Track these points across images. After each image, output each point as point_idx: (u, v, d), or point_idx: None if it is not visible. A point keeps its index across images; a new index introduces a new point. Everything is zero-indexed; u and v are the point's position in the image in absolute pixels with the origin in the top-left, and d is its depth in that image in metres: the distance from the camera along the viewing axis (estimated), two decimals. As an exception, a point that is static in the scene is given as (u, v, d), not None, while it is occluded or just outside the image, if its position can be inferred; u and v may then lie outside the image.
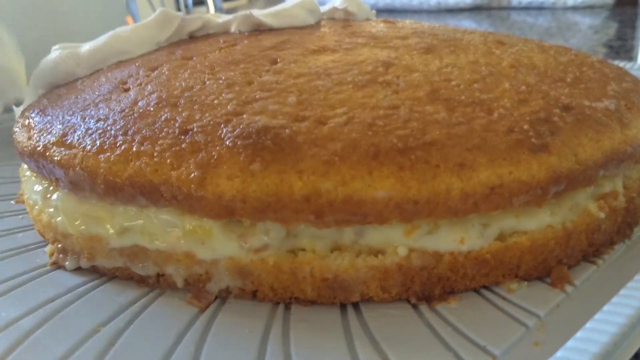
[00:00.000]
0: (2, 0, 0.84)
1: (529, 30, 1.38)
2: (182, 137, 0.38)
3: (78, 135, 0.41)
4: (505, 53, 0.50)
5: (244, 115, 0.39)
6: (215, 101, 0.41)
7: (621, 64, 0.73)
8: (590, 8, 1.59)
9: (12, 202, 0.56)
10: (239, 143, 0.37)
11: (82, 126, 0.42)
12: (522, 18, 1.55)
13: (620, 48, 1.13)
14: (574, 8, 1.60)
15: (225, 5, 2.56)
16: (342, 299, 0.38)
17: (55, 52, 0.54)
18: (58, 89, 0.52)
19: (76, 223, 0.42)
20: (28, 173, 0.51)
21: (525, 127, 0.38)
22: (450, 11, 1.70)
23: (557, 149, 0.37)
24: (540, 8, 1.64)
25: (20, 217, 0.53)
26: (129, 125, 0.40)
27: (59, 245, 0.44)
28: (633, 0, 1.63)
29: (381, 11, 1.76)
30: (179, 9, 2.58)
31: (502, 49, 0.51)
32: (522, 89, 0.42)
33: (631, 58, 1.04)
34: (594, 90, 0.44)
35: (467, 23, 1.53)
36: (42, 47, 0.88)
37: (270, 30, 0.57)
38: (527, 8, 1.66)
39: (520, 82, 0.43)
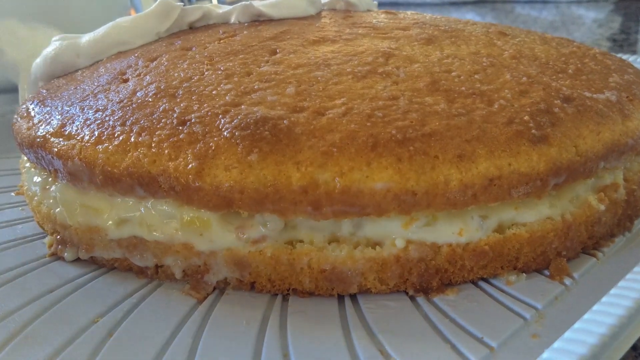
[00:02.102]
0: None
1: (533, 24, 1.37)
2: (180, 127, 0.38)
3: (76, 126, 0.41)
4: (507, 44, 0.49)
5: (242, 106, 0.39)
6: (214, 92, 0.41)
7: (624, 57, 0.72)
8: (594, 1, 1.58)
9: (13, 194, 0.57)
10: (236, 134, 0.36)
11: (81, 117, 0.42)
12: (526, 11, 1.54)
13: (624, 41, 1.12)
14: (579, 1, 1.59)
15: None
16: (340, 290, 0.38)
17: (55, 43, 0.54)
18: (57, 80, 0.52)
19: (75, 214, 0.42)
20: (28, 165, 0.51)
21: (526, 118, 0.37)
22: (454, 4, 1.70)
23: (558, 140, 0.37)
24: (544, 1, 1.63)
25: (20, 209, 0.53)
26: (127, 116, 0.40)
27: (58, 237, 0.44)
28: (638, -6, 1.62)
29: (384, 4, 1.76)
30: (182, 1, 2.57)
31: (504, 40, 0.51)
32: (523, 80, 0.42)
33: (635, 51, 1.04)
34: (596, 81, 0.44)
35: (470, 16, 1.52)
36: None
37: (270, 20, 0.56)
38: (531, 1, 1.65)
39: (521, 73, 0.43)
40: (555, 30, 1.28)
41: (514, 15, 1.50)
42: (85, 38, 0.55)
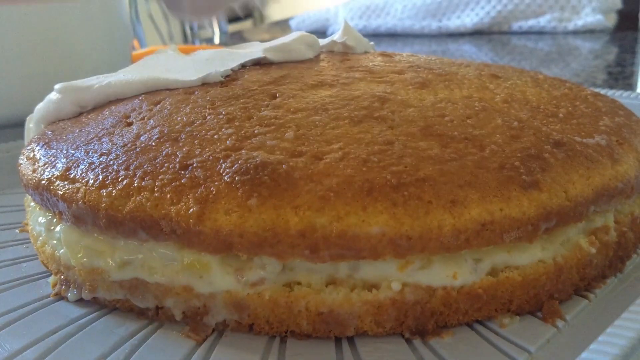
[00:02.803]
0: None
1: (529, 55, 1.39)
2: (182, 172, 0.39)
3: (81, 170, 0.43)
4: (499, 87, 0.51)
5: (243, 151, 0.40)
6: (215, 136, 0.43)
7: (617, 93, 0.74)
8: (590, 32, 1.61)
9: (17, 230, 0.57)
10: (237, 179, 0.38)
11: (86, 160, 0.43)
12: (522, 43, 1.56)
13: (619, 74, 1.14)
14: (575, 32, 1.62)
15: (230, 28, 2.60)
16: (337, 333, 0.39)
17: (57, 95, 0.55)
18: (63, 122, 0.54)
19: (78, 256, 0.43)
20: (32, 204, 0.52)
21: (516, 163, 0.39)
22: (451, 36, 1.72)
23: (548, 186, 0.38)
24: (540, 33, 1.66)
25: (24, 246, 0.54)
26: (130, 160, 0.42)
27: (62, 277, 0.45)
28: (633, 25, 1.64)
29: (383, 36, 1.78)
30: (184, 32, 2.61)
31: (496, 83, 0.52)
32: (514, 125, 0.43)
33: (630, 84, 1.05)
34: (586, 125, 0.45)
35: (467, 47, 1.55)
36: (51, 70, 0.90)
37: (270, 64, 0.58)
38: (527, 33, 1.68)
39: (512, 118, 0.44)
40: (551, 62, 1.30)
41: (511, 46, 1.53)
42: (87, 84, 0.55)
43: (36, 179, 0.45)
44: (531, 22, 1.66)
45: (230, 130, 0.43)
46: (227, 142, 0.42)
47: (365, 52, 0.64)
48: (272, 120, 0.44)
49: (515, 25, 1.68)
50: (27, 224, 0.55)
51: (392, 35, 1.80)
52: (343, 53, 0.63)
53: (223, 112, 0.46)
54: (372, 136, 0.41)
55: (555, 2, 1.64)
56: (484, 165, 0.38)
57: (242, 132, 0.43)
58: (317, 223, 0.36)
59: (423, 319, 0.38)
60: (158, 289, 0.41)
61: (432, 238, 0.36)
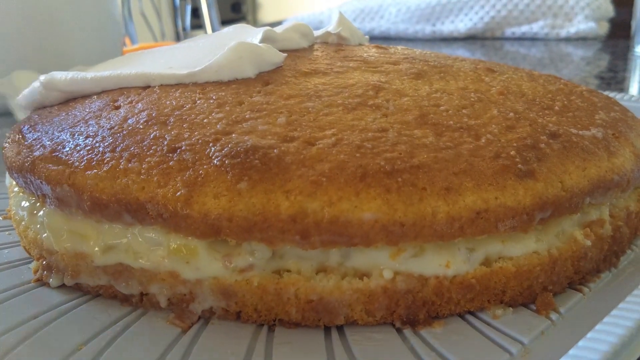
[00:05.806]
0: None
1: (521, 61, 1.40)
2: (170, 155, 0.38)
3: (66, 152, 0.41)
4: (494, 80, 0.50)
5: (233, 135, 0.39)
6: (205, 120, 0.42)
7: (612, 94, 0.74)
8: (582, 39, 1.62)
9: (0, 218, 0.56)
10: (226, 162, 0.37)
11: (71, 142, 0.42)
12: (515, 48, 1.57)
13: (611, 79, 1.14)
14: (567, 39, 1.63)
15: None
16: (327, 321, 0.38)
17: (41, 88, 0.53)
18: (49, 106, 0.52)
19: (62, 240, 0.41)
20: (16, 189, 0.50)
21: (512, 153, 0.38)
22: (445, 40, 1.73)
23: (543, 176, 0.37)
24: (533, 39, 1.67)
25: (7, 233, 0.53)
26: (117, 142, 0.40)
27: (44, 262, 0.44)
28: (625, 33, 1.65)
29: (377, 38, 1.78)
30: (177, 31, 2.61)
31: (492, 77, 0.52)
32: (510, 116, 0.43)
33: (622, 89, 1.05)
34: (582, 118, 0.45)
35: (461, 52, 1.55)
36: (40, 62, 0.89)
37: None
38: (520, 39, 1.68)
39: (508, 109, 0.44)
40: (543, 67, 1.30)
41: (503, 52, 1.53)
42: (72, 77, 0.53)
43: (20, 161, 0.44)
44: (524, 28, 1.66)
45: (220, 115, 0.42)
46: (217, 126, 0.41)
47: (360, 44, 0.63)
48: (264, 106, 0.43)
49: (509, 31, 1.69)
50: (9, 211, 0.54)
51: (386, 39, 1.80)
52: (337, 44, 0.62)
53: (213, 97, 0.45)
54: (366, 123, 0.41)
55: (548, 9, 1.64)
56: (479, 154, 0.38)
57: (233, 116, 0.42)
58: (309, 208, 0.35)
59: (414, 309, 0.37)
60: (143, 274, 0.39)
61: (426, 225, 0.35)
